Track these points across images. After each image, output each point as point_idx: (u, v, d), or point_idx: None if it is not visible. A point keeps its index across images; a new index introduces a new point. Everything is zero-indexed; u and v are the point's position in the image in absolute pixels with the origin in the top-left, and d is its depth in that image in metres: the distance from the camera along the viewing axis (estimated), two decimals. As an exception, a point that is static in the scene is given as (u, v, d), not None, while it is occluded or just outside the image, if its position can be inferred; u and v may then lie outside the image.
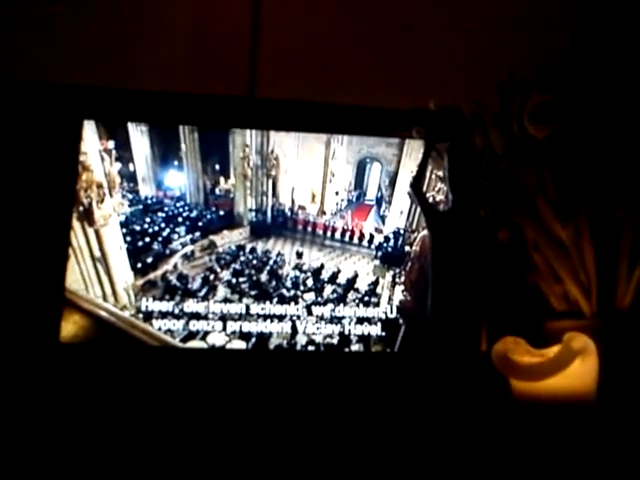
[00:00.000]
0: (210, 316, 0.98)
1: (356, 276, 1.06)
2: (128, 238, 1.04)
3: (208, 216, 1.09)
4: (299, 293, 1.03)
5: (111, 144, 1.04)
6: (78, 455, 0.84)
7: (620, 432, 0.78)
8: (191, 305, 0.98)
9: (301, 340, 0.99)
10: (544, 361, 0.78)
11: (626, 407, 0.79)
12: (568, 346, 0.77)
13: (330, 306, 1.01)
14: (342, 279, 1.06)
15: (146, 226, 1.06)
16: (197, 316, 0.98)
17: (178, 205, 1.08)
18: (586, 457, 0.76)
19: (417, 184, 0.96)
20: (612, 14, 1.13)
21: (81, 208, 1.00)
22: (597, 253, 0.86)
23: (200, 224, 1.08)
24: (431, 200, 1.00)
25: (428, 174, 1.01)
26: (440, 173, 0.99)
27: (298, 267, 1.06)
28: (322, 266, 1.08)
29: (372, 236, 1.11)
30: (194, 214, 1.08)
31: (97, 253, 1.04)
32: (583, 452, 0.76)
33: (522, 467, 0.76)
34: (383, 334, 1.00)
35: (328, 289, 1.05)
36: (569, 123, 0.85)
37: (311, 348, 0.99)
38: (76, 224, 0.99)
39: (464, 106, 0.93)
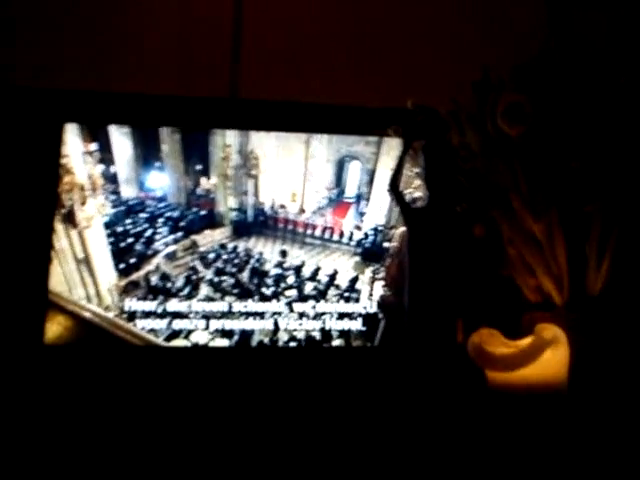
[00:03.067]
0: (193, 315, 1.00)
1: (336, 273, 1.08)
2: (111, 239, 1.06)
3: (190, 216, 1.10)
4: (280, 290, 1.04)
5: (93, 146, 1.06)
6: (64, 455, 0.85)
7: (590, 419, 0.80)
8: (174, 304, 1.00)
9: (283, 337, 1.01)
10: (517, 352, 0.80)
11: (596, 394, 0.82)
12: (539, 337, 0.80)
13: (311, 303, 1.03)
14: (322, 276, 1.08)
15: (129, 227, 1.08)
16: (180, 315, 0.99)
17: (160, 206, 1.09)
18: (558, 444, 0.78)
19: (394, 182, 0.97)
20: (587, 15, 1.15)
21: (64, 210, 1.01)
22: (568, 247, 0.89)
23: (182, 224, 1.09)
24: (409, 197, 1.02)
25: (406, 171, 1.03)
26: (417, 170, 1.01)
27: (279, 265, 1.08)
28: (303, 263, 1.10)
29: (352, 233, 1.13)
30: (176, 214, 1.09)
31: (80, 255, 1.05)
32: (555, 439, 0.78)
33: (497, 453, 0.78)
34: (363, 329, 1.02)
35: (309, 286, 1.06)
36: (541, 121, 0.87)
37: (293, 344, 1.01)
38: (59, 226, 1.00)
39: (442, 105, 0.95)
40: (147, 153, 1.11)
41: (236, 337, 0.99)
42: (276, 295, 1.03)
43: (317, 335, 1.01)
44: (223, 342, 0.99)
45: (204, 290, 1.04)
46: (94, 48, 1.13)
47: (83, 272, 1.05)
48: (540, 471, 0.78)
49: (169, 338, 0.99)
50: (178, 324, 0.99)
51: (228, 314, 1.00)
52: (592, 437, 0.80)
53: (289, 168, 1.13)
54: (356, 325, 1.02)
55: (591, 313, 0.86)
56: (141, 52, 1.15)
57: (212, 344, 0.99)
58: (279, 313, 1.02)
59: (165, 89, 1.11)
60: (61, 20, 1.13)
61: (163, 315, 0.99)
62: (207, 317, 1.00)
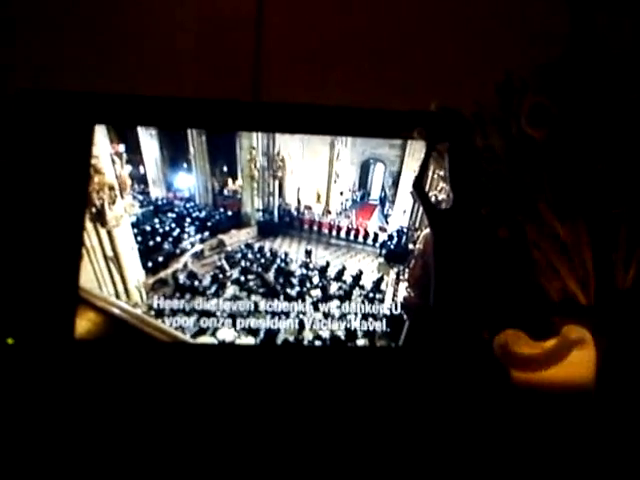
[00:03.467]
0: (219, 313, 1.01)
1: (361, 273, 1.09)
2: (139, 238, 1.08)
3: (217, 216, 1.12)
4: (305, 290, 1.06)
5: (122, 147, 1.08)
6: (92, 450, 0.87)
7: (617, 420, 0.80)
8: (201, 302, 1.01)
9: (308, 335, 1.02)
10: (543, 352, 0.81)
11: (622, 395, 0.82)
12: (565, 338, 0.80)
13: (336, 302, 1.04)
14: (347, 276, 1.09)
15: (157, 226, 1.10)
16: (207, 313, 1.01)
17: (187, 206, 1.11)
18: (583, 444, 0.78)
19: (419, 184, 0.98)
20: (610, 18, 1.15)
21: (94, 210, 1.03)
22: (594, 249, 0.89)
23: (209, 224, 1.11)
24: (433, 199, 1.02)
25: (430, 174, 1.04)
26: (441, 173, 1.02)
27: (305, 265, 1.09)
28: (328, 264, 1.11)
29: (376, 235, 1.14)
30: (203, 214, 1.11)
31: (109, 253, 1.07)
32: (581, 439, 0.78)
33: (522, 453, 0.78)
34: (388, 329, 1.03)
35: (334, 286, 1.07)
36: (566, 123, 0.87)
37: (318, 343, 1.02)
38: (89, 225, 1.02)
39: (465, 107, 0.96)
40: (175, 154, 1.13)
41: (262, 335, 1.01)
42: (301, 295, 1.05)
43: (342, 335, 1.02)
44: (249, 340, 1.00)
45: (230, 289, 1.05)
46: (118, 51, 1.16)
47: (112, 269, 1.07)
48: (564, 471, 0.78)
49: (196, 335, 1.00)
50: (205, 322, 1.00)
51: (254, 313, 1.01)
52: (617, 438, 0.80)
53: (314, 170, 1.14)
54: (380, 325, 1.03)
55: (617, 315, 0.87)
56: (165, 55, 1.17)
57: (238, 342, 1.00)
58: (304, 312, 1.03)
59: (187, 91, 1.14)
60: (85, 24, 1.16)
61: (190, 313, 1.00)
62: (233, 315, 1.01)
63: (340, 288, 1.07)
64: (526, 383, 0.82)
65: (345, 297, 1.05)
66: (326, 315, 1.03)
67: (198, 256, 1.09)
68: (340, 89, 1.17)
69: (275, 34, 1.20)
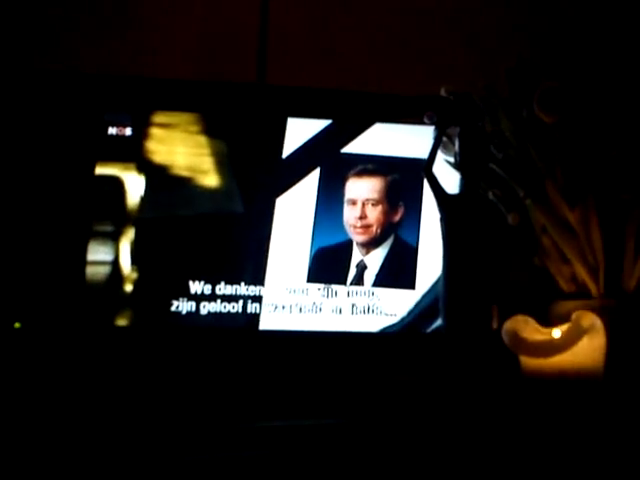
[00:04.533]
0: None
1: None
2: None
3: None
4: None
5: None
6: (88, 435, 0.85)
7: (626, 407, 0.81)
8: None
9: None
10: (553, 339, 0.81)
11: (632, 383, 0.83)
12: (577, 324, 0.80)
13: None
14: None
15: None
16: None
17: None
18: (592, 431, 0.78)
19: (429, 169, 0.98)
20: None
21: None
22: (604, 235, 0.89)
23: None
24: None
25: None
26: (451, 158, 1.01)
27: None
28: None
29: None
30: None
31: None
32: (589, 426, 0.79)
33: (530, 439, 0.79)
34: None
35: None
36: (577, 109, 0.87)
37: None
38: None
39: (475, 92, 0.95)
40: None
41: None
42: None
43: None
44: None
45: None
46: (121, 31, 1.15)
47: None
48: (572, 456, 0.78)
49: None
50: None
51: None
52: (625, 425, 0.80)
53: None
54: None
55: (627, 303, 0.87)
56: (167, 37, 1.16)
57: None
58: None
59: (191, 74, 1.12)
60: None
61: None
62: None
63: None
64: (534, 369, 0.83)
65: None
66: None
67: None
68: (346, 73, 1.16)
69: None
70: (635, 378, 0.84)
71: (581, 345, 0.80)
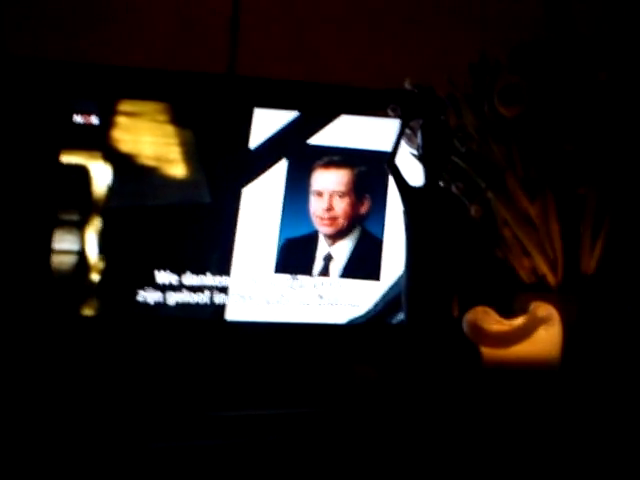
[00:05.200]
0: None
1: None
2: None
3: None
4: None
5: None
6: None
7: (581, 395, 0.83)
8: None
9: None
10: (511, 329, 0.83)
11: (587, 371, 0.85)
12: (533, 315, 0.82)
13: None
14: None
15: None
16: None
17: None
18: (549, 418, 0.80)
19: (392, 161, 0.98)
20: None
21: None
22: (562, 228, 0.91)
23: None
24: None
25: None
26: (414, 151, 1.02)
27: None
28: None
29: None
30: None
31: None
32: (546, 414, 0.81)
33: (490, 427, 0.80)
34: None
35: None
36: (537, 103, 0.88)
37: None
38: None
39: (439, 86, 0.96)
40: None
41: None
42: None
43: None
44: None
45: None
46: (89, 19, 1.13)
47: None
48: (532, 445, 0.80)
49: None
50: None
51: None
52: (581, 413, 0.82)
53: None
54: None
55: (584, 294, 0.89)
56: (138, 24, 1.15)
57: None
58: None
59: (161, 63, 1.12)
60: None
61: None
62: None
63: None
64: (494, 358, 0.84)
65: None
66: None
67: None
68: (315, 65, 1.16)
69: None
70: (591, 367, 0.86)
71: (538, 335, 0.82)
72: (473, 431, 0.82)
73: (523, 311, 0.85)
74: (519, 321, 0.83)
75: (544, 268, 0.91)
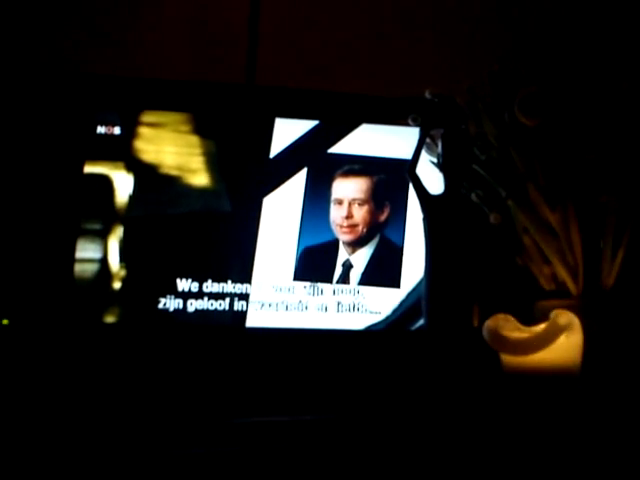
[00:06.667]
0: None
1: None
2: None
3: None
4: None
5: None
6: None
7: (602, 402, 0.82)
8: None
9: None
10: (532, 336, 0.82)
11: (608, 379, 0.84)
12: (554, 322, 0.82)
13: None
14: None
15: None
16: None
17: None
18: (569, 425, 0.80)
19: (412, 169, 0.99)
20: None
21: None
22: (583, 236, 0.91)
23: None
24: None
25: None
26: (434, 159, 1.03)
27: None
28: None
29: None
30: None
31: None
32: (567, 421, 0.80)
33: (510, 434, 0.80)
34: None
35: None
36: (558, 112, 0.89)
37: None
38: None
39: (459, 95, 0.97)
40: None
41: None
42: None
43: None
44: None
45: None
46: (113, 32, 1.15)
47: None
48: (552, 453, 0.80)
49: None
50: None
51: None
52: (601, 419, 0.82)
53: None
54: (372, 309, 1.05)
55: (605, 302, 0.89)
56: (156, 37, 1.16)
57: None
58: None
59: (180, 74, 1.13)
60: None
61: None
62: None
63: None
64: (514, 366, 0.84)
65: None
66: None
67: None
68: (335, 75, 1.17)
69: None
70: (611, 374, 0.85)
71: (559, 343, 0.81)
72: (493, 438, 0.82)
73: (543, 318, 0.85)
74: (540, 328, 0.83)
75: (565, 275, 0.92)
